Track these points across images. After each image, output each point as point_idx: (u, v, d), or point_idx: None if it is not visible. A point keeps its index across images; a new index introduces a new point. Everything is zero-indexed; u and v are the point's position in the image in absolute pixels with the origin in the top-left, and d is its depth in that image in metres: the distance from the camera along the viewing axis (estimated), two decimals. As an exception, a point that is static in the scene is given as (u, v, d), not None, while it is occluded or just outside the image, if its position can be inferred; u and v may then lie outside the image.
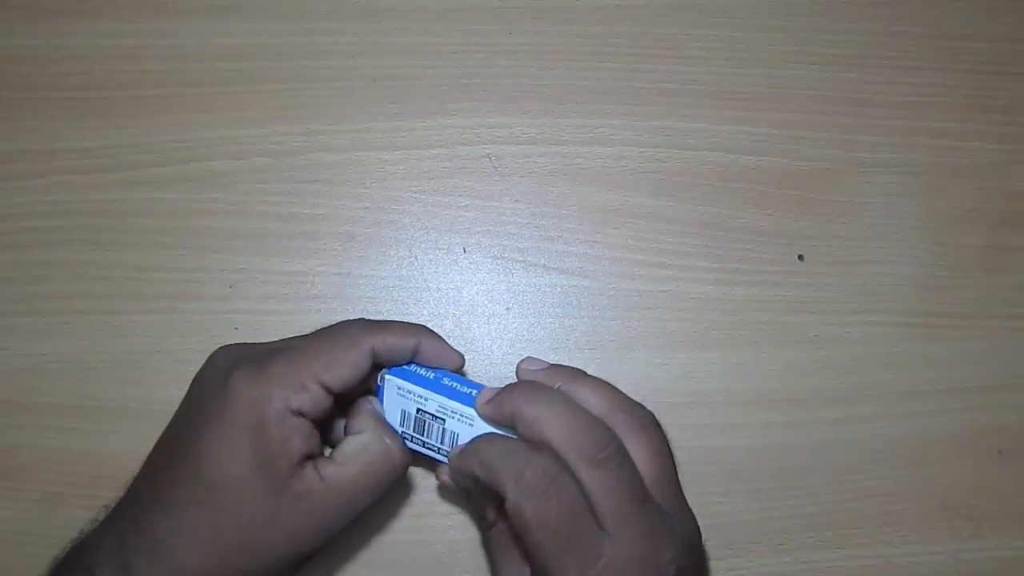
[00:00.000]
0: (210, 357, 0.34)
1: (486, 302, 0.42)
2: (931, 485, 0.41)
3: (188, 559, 0.31)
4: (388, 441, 0.33)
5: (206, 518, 0.31)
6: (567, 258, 0.42)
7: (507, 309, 0.42)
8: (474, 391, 0.34)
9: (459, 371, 0.36)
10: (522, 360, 0.35)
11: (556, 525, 0.29)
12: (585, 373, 0.34)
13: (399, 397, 0.35)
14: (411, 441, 0.35)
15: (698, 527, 0.33)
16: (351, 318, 0.35)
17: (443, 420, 0.34)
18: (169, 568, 0.30)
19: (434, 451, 0.35)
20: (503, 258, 0.42)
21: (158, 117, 0.43)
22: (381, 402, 0.35)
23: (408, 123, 0.43)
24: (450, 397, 0.34)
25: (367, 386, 0.35)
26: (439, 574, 0.39)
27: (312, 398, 0.32)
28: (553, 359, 0.40)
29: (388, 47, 0.44)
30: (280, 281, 0.41)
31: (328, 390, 0.32)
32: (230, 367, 0.32)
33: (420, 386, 0.35)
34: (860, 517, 0.41)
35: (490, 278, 0.42)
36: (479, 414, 0.33)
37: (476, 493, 0.33)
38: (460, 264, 0.42)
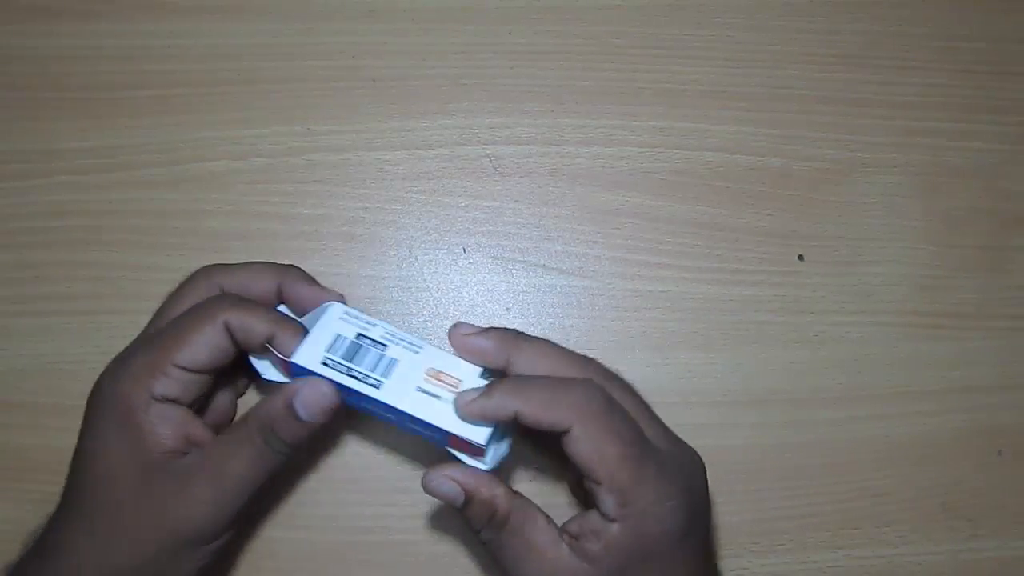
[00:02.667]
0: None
1: (486, 302, 0.42)
2: (931, 485, 0.41)
3: (71, 563, 0.32)
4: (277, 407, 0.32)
5: (85, 520, 0.32)
6: (567, 258, 0.42)
7: (507, 309, 0.42)
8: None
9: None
10: (452, 326, 0.33)
11: (634, 447, 0.30)
12: (521, 334, 0.33)
13: (341, 322, 0.33)
14: (335, 369, 0.32)
15: (697, 458, 0.34)
16: (207, 266, 0.36)
17: (384, 346, 0.32)
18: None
19: (361, 380, 0.32)
20: (503, 258, 0.42)
21: (158, 117, 0.43)
22: (312, 325, 0.33)
23: (408, 123, 0.43)
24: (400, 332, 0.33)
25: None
26: (439, 574, 0.39)
27: (174, 382, 0.32)
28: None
29: (388, 47, 0.44)
30: (280, 281, 0.41)
31: (192, 371, 0.32)
32: (103, 374, 0.33)
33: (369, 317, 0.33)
34: (860, 517, 0.41)
35: (490, 278, 0.42)
36: (457, 346, 0.32)
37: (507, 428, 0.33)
38: (460, 264, 0.42)
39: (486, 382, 0.32)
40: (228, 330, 0.32)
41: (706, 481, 0.33)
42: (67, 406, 0.40)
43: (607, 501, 0.30)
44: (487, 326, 0.33)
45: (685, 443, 0.34)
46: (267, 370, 0.34)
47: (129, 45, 0.43)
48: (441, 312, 0.42)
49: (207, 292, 0.35)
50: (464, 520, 0.32)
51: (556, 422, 0.30)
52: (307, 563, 0.39)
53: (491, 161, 0.43)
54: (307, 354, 0.32)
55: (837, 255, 0.43)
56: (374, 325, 0.33)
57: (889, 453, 0.41)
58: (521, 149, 0.43)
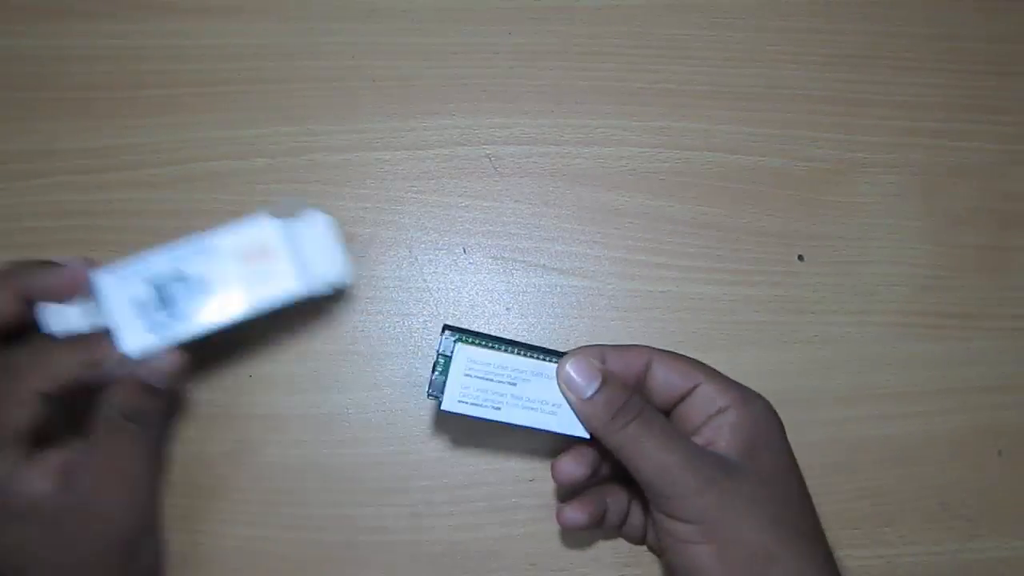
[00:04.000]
0: None
1: (486, 302, 0.42)
2: (931, 485, 0.41)
3: None
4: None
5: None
6: (567, 258, 0.42)
7: (507, 309, 0.42)
8: None
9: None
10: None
11: (705, 367, 0.35)
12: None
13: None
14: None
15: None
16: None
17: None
18: None
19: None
20: (503, 258, 0.42)
21: (158, 117, 0.43)
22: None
23: (408, 123, 0.43)
24: None
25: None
26: (439, 574, 0.39)
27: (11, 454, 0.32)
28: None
29: (388, 47, 0.44)
30: (280, 281, 0.41)
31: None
32: None
33: None
34: (860, 517, 0.41)
35: (490, 278, 0.42)
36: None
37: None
38: (460, 264, 0.42)
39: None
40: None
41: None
42: (67, 406, 0.40)
43: (710, 394, 0.34)
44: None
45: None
46: (58, 319, 0.33)
47: (129, 45, 0.43)
48: (441, 312, 0.42)
49: None
50: (589, 415, 0.34)
51: (636, 355, 0.35)
52: (307, 563, 0.39)
53: (491, 161, 0.43)
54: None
55: (837, 255, 0.43)
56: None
57: (889, 453, 0.41)
58: (521, 149, 0.43)
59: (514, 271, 0.42)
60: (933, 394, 0.42)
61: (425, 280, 0.42)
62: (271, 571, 0.39)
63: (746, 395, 0.34)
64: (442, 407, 0.34)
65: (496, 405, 0.34)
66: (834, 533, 0.40)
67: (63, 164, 0.42)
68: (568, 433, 0.34)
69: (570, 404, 0.34)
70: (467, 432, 0.40)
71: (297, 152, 0.43)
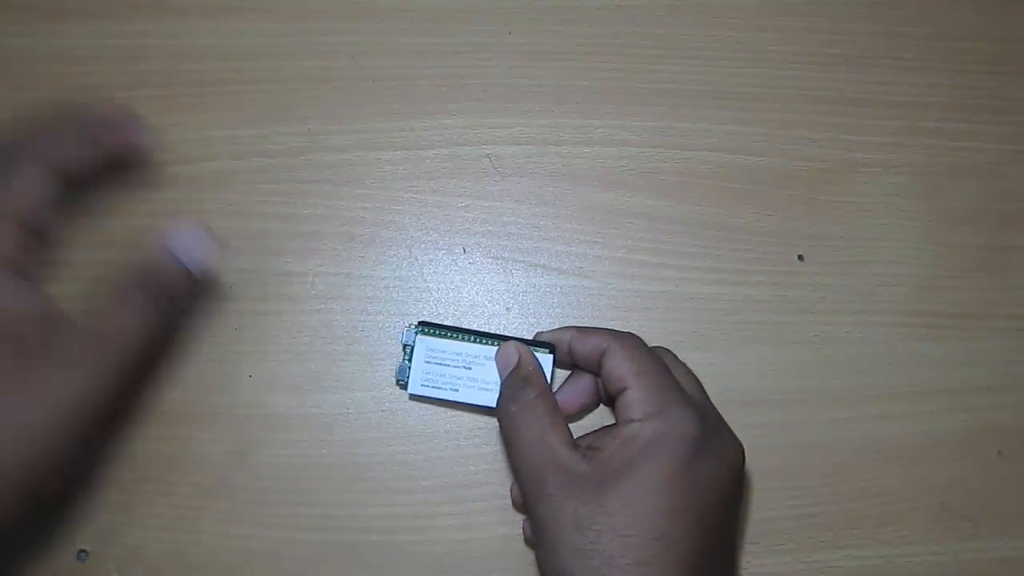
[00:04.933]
0: None
1: (486, 302, 0.42)
2: (931, 485, 0.41)
3: None
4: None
5: None
6: (567, 258, 0.42)
7: (507, 309, 0.42)
8: None
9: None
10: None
11: (664, 371, 0.35)
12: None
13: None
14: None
15: (734, 439, 0.36)
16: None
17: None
18: None
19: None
20: (503, 258, 0.42)
21: (158, 117, 0.43)
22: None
23: (408, 123, 0.43)
24: None
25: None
26: (439, 574, 0.39)
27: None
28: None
29: (388, 47, 0.44)
30: (280, 281, 0.41)
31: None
32: None
33: None
34: (860, 517, 0.41)
35: (490, 278, 0.42)
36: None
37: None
38: (460, 264, 0.42)
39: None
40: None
41: (738, 458, 0.34)
42: (67, 406, 0.40)
43: (632, 404, 0.33)
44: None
45: (727, 425, 0.36)
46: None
47: (129, 45, 0.43)
48: (441, 312, 0.42)
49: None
50: (503, 388, 0.37)
51: (594, 346, 0.35)
52: (307, 563, 0.39)
53: (491, 161, 0.43)
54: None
55: (837, 255, 0.43)
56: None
57: (889, 453, 0.41)
58: (521, 149, 0.43)
59: (514, 271, 0.42)
60: (933, 394, 0.42)
61: (425, 280, 0.42)
62: (271, 571, 0.39)
63: (669, 413, 0.33)
64: (409, 391, 0.38)
65: (454, 387, 0.38)
66: (834, 533, 0.40)
67: (63, 164, 0.42)
68: None
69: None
70: (467, 432, 0.40)
71: (297, 152, 0.43)
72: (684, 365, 0.38)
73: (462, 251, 0.42)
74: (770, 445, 0.41)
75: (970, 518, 0.41)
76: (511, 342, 0.38)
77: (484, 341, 0.38)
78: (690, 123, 0.44)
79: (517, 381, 0.36)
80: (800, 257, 0.43)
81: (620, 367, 0.34)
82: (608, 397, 0.36)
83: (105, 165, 0.35)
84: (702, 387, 0.37)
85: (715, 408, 0.36)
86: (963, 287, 0.43)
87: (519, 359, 0.37)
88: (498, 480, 0.40)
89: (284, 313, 0.41)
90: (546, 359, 0.38)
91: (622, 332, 0.36)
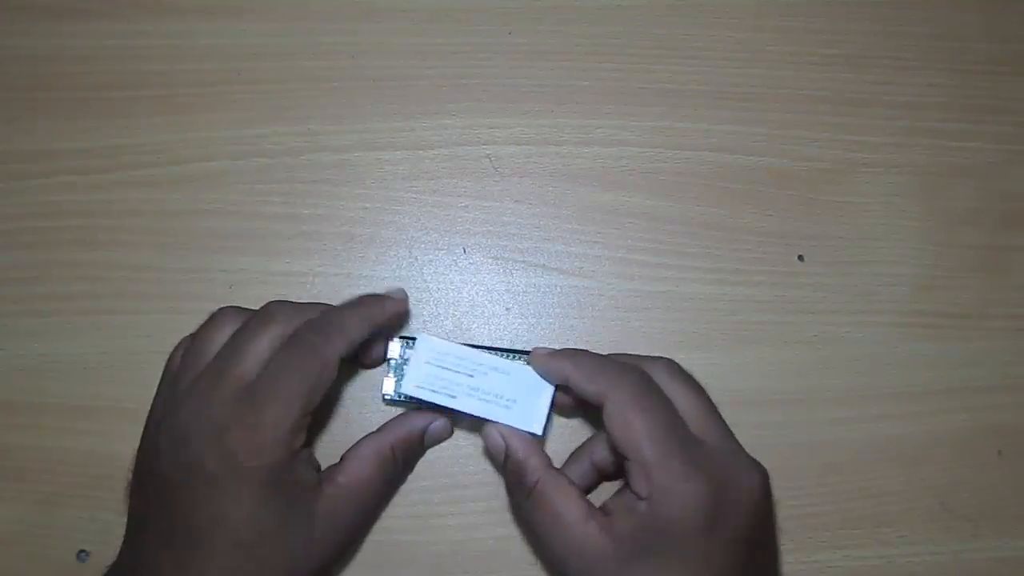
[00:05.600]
0: (166, 420, 0.33)
1: (486, 302, 0.42)
2: (931, 485, 0.41)
3: None
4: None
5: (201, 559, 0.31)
6: (567, 258, 0.42)
7: (507, 309, 0.42)
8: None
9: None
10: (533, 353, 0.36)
11: (662, 419, 0.32)
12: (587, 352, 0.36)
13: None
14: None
15: (754, 469, 0.34)
16: (270, 304, 0.35)
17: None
18: None
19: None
20: (503, 258, 0.42)
21: (158, 117, 0.43)
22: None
23: (408, 123, 0.43)
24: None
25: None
26: (439, 574, 0.39)
27: (305, 427, 0.33)
28: (553, 359, 0.41)
29: (388, 47, 0.44)
30: (280, 281, 0.41)
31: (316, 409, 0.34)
32: (217, 431, 0.32)
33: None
34: (860, 517, 0.41)
35: (490, 278, 0.42)
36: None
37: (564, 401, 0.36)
38: (460, 264, 0.42)
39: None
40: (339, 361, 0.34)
41: (761, 491, 0.33)
42: (67, 406, 0.40)
43: (636, 477, 0.32)
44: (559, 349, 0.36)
45: (744, 452, 0.34)
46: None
47: (129, 45, 0.43)
48: (441, 312, 0.42)
49: (279, 328, 0.34)
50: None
51: (594, 393, 0.33)
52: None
53: (491, 161, 0.43)
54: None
55: (837, 255, 0.43)
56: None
57: (889, 453, 0.41)
58: (521, 149, 0.43)
59: (514, 271, 0.42)
60: (933, 394, 0.42)
61: (425, 280, 0.42)
62: (271, 571, 0.39)
63: (673, 489, 0.31)
64: (400, 390, 0.36)
65: (452, 393, 0.36)
66: (834, 533, 0.40)
67: (63, 164, 0.42)
68: (520, 427, 0.35)
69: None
70: (467, 433, 0.40)
71: (297, 152, 0.43)
72: (686, 378, 0.36)
73: (462, 251, 0.42)
74: (770, 445, 0.41)
75: (970, 518, 0.41)
76: (491, 427, 0.35)
77: (494, 353, 0.37)
78: (690, 123, 0.44)
79: (513, 473, 0.34)
80: (800, 257, 0.43)
81: (618, 433, 0.32)
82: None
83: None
84: (709, 405, 0.35)
85: (724, 432, 0.35)
86: (963, 287, 0.43)
87: (507, 447, 0.35)
88: (498, 480, 0.40)
89: (284, 313, 0.41)
90: (546, 390, 0.36)
91: (622, 372, 0.34)
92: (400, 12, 0.44)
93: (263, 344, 0.33)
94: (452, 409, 0.36)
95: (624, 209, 0.43)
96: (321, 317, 0.34)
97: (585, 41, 0.44)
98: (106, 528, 0.38)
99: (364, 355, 0.38)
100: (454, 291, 0.42)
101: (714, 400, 0.41)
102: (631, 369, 0.34)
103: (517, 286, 0.42)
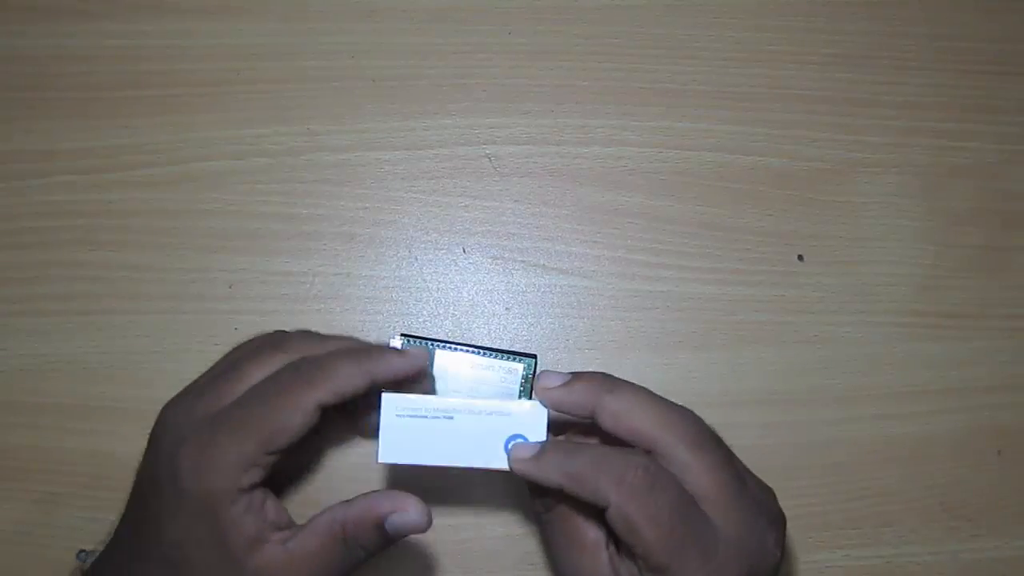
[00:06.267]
0: (159, 418, 0.33)
1: (486, 302, 0.42)
2: (931, 485, 0.41)
3: None
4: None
5: None
6: (567, 258, 0.42)
7: (507, 309, 0.42)
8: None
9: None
10: (540, 378, 0.32)
11: (671, 522, 0.29)
12: (610, 379, 0.32)
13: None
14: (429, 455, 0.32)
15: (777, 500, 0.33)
16: (296, 332, 0.34)
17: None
18: None
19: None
20: (503, 258, 0.42)
21: (158, 117, 0.43)
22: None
23: (408, 123, 0.43)
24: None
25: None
26: (439, 574, 0.39)
27: (263, 469, 0.31)
28: (553, 360, 0.41)
29: (388, 47, 0.44)
30: (280, 281, 0.41)
31: (281, 452, 0.31)
32: (176, 443, 0.31)
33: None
34: (860, 517, 0.41)
35: (490, 278, 0.42)
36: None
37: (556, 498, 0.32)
38: (460, 264, 0.42)
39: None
40: (321, 408, 0.31)
41: (783, 542, 0.32)
42: (67, 406, 0.40)
43: (640, 555, 0.30)
44: (572, 374, 0.32)
45: (764, 500, 0.32)
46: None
47: (129, 45, 0.43)
48: (441, 312, 0.42)
49: (285, 359, 0.32)
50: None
51: (596, 499, 0.30)
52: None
53: (491, 161, 0.43)
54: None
55: (837, 255, 0.43)
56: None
57: (889, 453, 0.41)
58: (521, 149, 0.43)
59: (514, 271, 0.42)
60: (933, 394, 0.42)
61: (425, 280, 0.42)
62: (271, 571, 0.39)
63: (679, 559, 0.29)
64: (378, 460, 0.32)
65: (436, 450, 0.32)
66: (834, 533, 0.40)
67: (63, 164, 0.42)
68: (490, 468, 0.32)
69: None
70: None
71: (297, 152, 0.43)
72: (701, 442, 0.32)
73: (462, 251, 0.42)
74: (770, 445, 0.41)
75: (970, 518, 0.41)
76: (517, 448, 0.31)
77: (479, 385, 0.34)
78: (690, 123, 0.44)
79: (535, 490, 0.32)
80: (800, 257, 0.43)
81: (622, 532, 0.30)
82: None
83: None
84: (723, 462, 0.31)
85: (737, 491, 0.31)
86: (963, 287, 0.43)
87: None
88: (498, 480, 0.40)
89: (284, 313, 0.41)
90: (540, 413, 0.32)
91: (623, 466, 0.30)
92: (400, 12, 0.44)
93: (256, 370, 0.32)
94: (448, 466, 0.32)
95: (624, 209, 0.43)
96: (315, 357, 0.32)
97: (585, 41, 0.44)
98: (106, 528, 0.38)
99: (359, 418, 0.35)
100: (454, 291, 0.42)
101: (714, 400, 0.41)
102: (628, 459, 0.30)
103: (517, 286, 0.42)
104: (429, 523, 0.32)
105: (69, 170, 0.42)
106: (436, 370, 0.37)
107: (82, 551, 0.36)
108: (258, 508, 0.31)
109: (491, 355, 0.38)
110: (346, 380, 0.31)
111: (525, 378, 0.38)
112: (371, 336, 0.41)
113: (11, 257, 0.42)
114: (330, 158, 0.43)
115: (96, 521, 0.39)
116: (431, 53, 0.44)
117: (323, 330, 0.41)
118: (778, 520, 0.32)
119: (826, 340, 0.42)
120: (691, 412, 0.32)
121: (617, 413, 0.31)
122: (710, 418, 0.40)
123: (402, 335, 0.39)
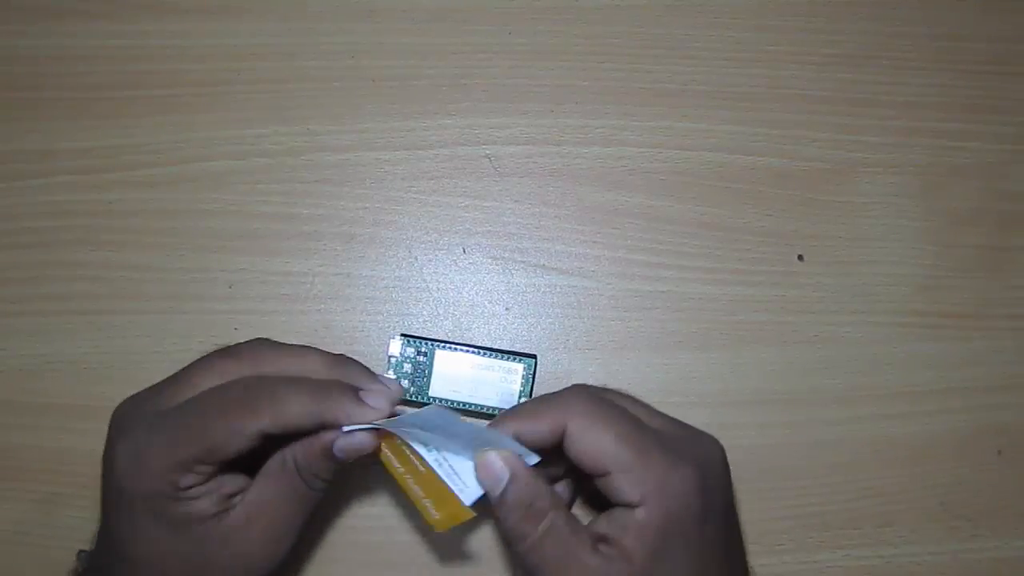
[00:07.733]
0: (112, 416, 0.33)
1: (486, 302, 0.42)
2: (931, 485, 0.41)
3: None
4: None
5: None
6: (567, 258, 0.42)
7: (507, 309, 0.42)
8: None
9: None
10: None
11: (633, 430, 0.31)
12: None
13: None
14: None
15: (713, 441, 0.34)
16: (251, 341, 0.34)
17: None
18: None
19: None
20: (503, 258, 0.42)
21: (158, 117, 0.43)
22: None
23: (408, 123, 0.43)
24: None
25: None
26: (439, 574, 0.39)
27: (200, 476, 0.31)
28: (553, 359, 0.41)
29: (388, 47, 0.44)
30: (280, 281, 0.42)
31: (219, 464, 0.31)
32: (115, 440, 0.31)
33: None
34: (860, 517, 0.41)
35: (490, 278, 0.42)
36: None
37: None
38: (460, 264, 0.42)
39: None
40: (263, 436, 0.31)
41: (724, 463, 0.34)
42: (67, 406, 0.40)
43: (622, 487, 0.30)
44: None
45: (696, 428, 0.34)
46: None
47: (129, 45, 0.43)
48: (441, 312, 0.42)
49: (236, 368, 0.32)
50: (499, 522, 0.32)
51: (552, 428, 0.31)
52: (308, 563, 0.39)
53: (491, 161, 0.43)
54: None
55: (837, 255, 0.43)
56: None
57: (889, 453, 0.41)
58: (521, 149, 0.43)
59: (514, 271, 0.42)
60: (933, 394, 0.42)
61: (425, 280, 0.42)
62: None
63: (665, 481, 0.30)
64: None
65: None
66: (834, 533, 0.40)
67: (63, 164, 0.42)
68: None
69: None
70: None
71: (297, 152, 0.43)
72: (608, 390, 0.35)
73: (462, 251, 0.42)
74: (770, 445, 0.41)
75: (970, 518, 0.41)
76: (492, 454, 0.31)
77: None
78: (690, 123, 0.44)
79: (519, 506, 0.31)
80: (800, 257, 0.43)
81: (590, 450, 0.31)
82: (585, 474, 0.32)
83: None
84: (642, 402, 0.35)
85: (672, 418, 0.34)
86: (963, 287, 0.43)
87: (511, 474, 0.31)
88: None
89: (284, 313, 0.41)
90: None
91: (569, 397, 0.32)
92: (400, 12, 0.44)
93: (202, 378, 0.32)
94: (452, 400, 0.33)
95: (624, 209, 0.43)
96: (270, 381, 0.31)
97: (585, 41, 0.44)
98: (106, 528, 0.38)
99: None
100: (454, 291, 0.42)
101: (714, 400, 0.41)
102: (569, 390, 0.33)
103: (517, 286, 0.42)
104: (377, 442, 0.32)
105: (69, 170, 0.42)
106: (436, 370, 0.37)
107: (82, 551, 0.36)
108: (212, 490, 0.31)
109: (491, 355, 0.38)
110: (294, 416, 0.30)
111: (525, 378, 0.38)
112: (371, 336, 0.41)
113: (11, 257, 0.42)
114: (330, 158, 0.43)
115: (96, 521, 0.38)
116: (431, 53, 0.44)
117: (323, 330, 0.41)
118: (699, 444, 0.33)
119: (826, 340, 0.42)
120: (573, 386, 0.33)
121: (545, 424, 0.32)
122: (710, 418, 0.41)
123: (402, 335, 0.39)
